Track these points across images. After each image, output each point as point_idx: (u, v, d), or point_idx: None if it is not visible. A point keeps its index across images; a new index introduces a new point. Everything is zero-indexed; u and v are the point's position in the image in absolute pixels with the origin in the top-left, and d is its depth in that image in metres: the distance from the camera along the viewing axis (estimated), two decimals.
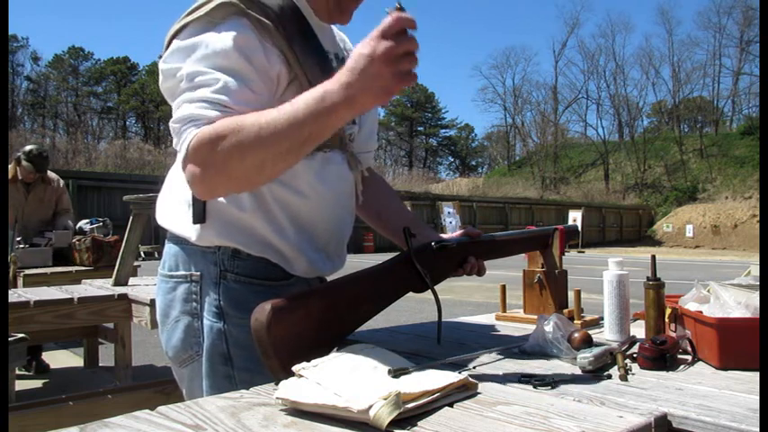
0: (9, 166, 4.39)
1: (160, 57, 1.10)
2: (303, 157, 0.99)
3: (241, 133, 0.92)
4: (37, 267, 4.12)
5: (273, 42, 1.04)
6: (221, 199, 1.10)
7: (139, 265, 4.34)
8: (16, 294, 2.87)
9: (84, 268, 4.13)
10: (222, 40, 1.01)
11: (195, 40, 1.03)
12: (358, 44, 0.89)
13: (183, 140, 0.96)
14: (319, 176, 1.13)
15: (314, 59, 1.09)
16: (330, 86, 0.89)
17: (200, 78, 0.99)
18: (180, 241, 1.16)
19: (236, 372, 1.10)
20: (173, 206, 1.18)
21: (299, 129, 0.90)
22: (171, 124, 1.01)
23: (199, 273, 1.13)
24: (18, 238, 4.17)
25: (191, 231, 1.12)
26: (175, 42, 1.06)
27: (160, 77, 1.09)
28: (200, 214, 1.10)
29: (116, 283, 3.17)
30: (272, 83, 1.05)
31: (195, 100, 0.97)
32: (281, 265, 1.14)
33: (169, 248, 1.19)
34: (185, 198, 1.13)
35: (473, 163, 62.69)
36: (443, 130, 60.52)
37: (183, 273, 1.15)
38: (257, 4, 1.04)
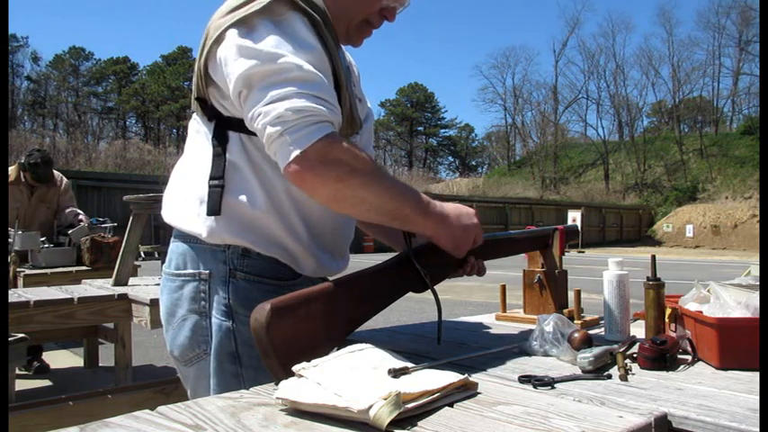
0: (11, 168, 4.40)
1: (202, 50, 1.08)
2: None
3: (366, 168, 1.01)
4: (64, 267, 4.12)
5: (320, 39, 1.08)
6: (237, 196, 1.10)
7: (139, 265, 4.34)
8: (16, 294, 2.86)
9: (84, 268, 4.12)
10: (303, 37, 1.04)
11: (278, 33, 1.02)
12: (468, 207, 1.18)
13: (302, 135, 0.97)
14: None
15: (343, 63, 1.14)
16: (433, 203, 1.11)
17: (307, 71, 1.00)
18: (188, 239, 1.16)
19: (243, 370, 1.10)
20: (182, 203, 1.17)
21: (399, 207, 1.06)
22: (281, 110, 0.97)
23: (208, 271, 1.13)
24: (42, 239, 4.19)
25: (201, 228, 1.12)
26: (242, 34, 1.02)
27: (234, 61, 1.02)
28: (215, 207, 1.10)
29: (116, 283, 3.17)
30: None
31: (307, 95, 0.99)
32: (290, 265, 1.15)
33: (176, 247, 1.19)
34: (197, 194, 1.13)
35: (473, 163, 62.68)
36: (443, 130, 60.54)
37: (191, 271, 1.15)
38: (307, 2, 1.07)
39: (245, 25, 1.03)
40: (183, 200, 1.17)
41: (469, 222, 1.15)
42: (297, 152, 0.97)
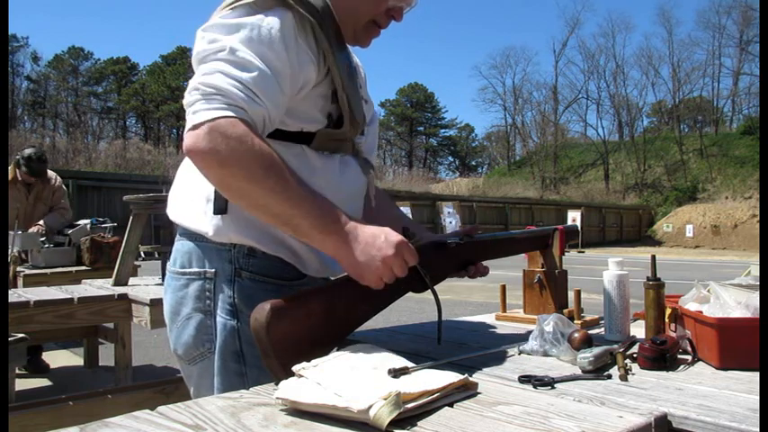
0: (9, 167, 4.40)
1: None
2: (323, 157, 1.10)
3: (260, 163, 0.95)
4: (64, 267, 4.12)
5: (310, 41, 1.07)
6: None
7: (140, 265, 4.34)
8: (16, 294, 2.87)
9: (83, 268, 4.13)
10: (269, 29, 1.03)
11: (242, 20, 1.03)
12: (389, 229, 1.01)
13: (207, 108, 0.96)
14: (338, 176, 1.15)
15: (345, 62, 1.14)
16: (344, 221, 1.00)
17: (242, 58, 1.00)
18: (194, 238, 1.16)
19: (248, 369, 1.11)
20: (188, 202, 1.17)
21: (291, 215, 0.98)
22: (196, 83, 0.99)
23: (213, 270, 1.14)
24: (43, 239, 4.19)
25: (208, 227, 1.12)
26: (219, 18, 1.06)
27: (196, 42, 1.06)
28: (221, 206, 1.10)
29: (116, 283, 3.17)
30: (297, 86, 1.07)
31: (231, 76, 0.98)
32: (295, 265, 1.15)
33: (181, 245, 1.19)
34: (204, 193, 1.13)
35: (473, 163, 62.63)
36: (443, 130, 60.49)
37: (196, 270, 1.15)
38: (301, 2, 1.06)
39: (224, 12, 1.06)
40: (190, 198, 1.17)
41: (380, 252, 0.99)
42: (190, 125, 0.96)
